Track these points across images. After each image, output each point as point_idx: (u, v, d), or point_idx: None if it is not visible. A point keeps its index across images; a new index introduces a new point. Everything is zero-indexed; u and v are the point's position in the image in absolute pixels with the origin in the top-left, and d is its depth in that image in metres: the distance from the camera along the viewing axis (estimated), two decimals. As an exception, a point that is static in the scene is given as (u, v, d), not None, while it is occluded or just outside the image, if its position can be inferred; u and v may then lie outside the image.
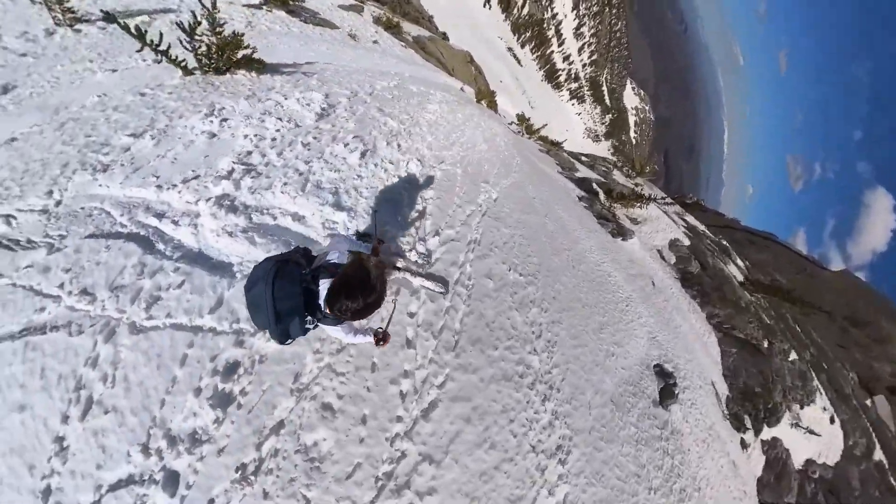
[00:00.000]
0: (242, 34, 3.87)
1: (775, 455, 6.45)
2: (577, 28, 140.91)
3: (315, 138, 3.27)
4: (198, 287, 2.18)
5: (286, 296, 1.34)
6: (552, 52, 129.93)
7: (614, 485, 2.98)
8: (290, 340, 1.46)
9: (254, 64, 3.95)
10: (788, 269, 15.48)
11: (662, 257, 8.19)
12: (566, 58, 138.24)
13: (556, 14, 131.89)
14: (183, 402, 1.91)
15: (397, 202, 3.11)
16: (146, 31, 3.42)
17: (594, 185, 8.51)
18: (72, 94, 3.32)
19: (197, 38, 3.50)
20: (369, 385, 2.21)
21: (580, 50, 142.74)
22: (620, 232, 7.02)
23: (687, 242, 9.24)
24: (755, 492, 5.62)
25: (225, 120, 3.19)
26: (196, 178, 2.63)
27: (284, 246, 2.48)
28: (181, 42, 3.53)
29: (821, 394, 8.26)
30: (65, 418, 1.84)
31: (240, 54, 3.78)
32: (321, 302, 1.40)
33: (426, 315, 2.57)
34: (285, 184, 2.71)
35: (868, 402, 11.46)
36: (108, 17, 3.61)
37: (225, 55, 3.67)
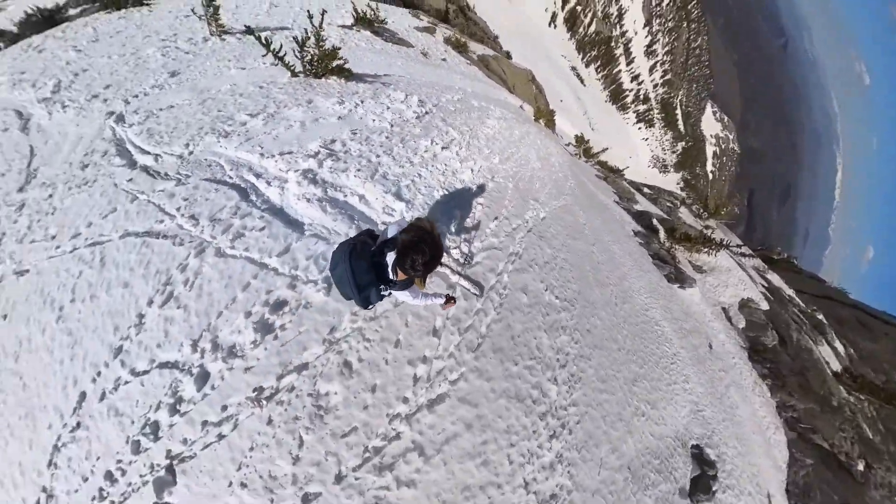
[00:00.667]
0: (338, 48, 4.74)
1: None
2: (649, 46, 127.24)
3: (387, 137, 3.79)
4: (273, 234, 2.69)
5: (362, 271, 1.72)
6: (619, 71, 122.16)
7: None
8: (371, 306, 1.88)
9: (344, 72, 4.81)
10: (918, 370, 11.65)
11: (728, 318, 7.01)
12: (635, 77, 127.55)
13: (626, 31, 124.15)
14: (234, 318, 2.34)
15: (449, 203, 3.41)
16: (270, 42, 4.44)
17: (654, 221, 7.85)
18: (213, 82, 4.50)
19: (305, 49, 4.47)
20: (388, 358, 2.40)
21: (651, 69, 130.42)
22: (679, 278, 6.31)
23: (765, 306, 7.73)
24: None
25: (317, 113, 3.94)
26: (290, 153, 3.30)
27: (347, 219, 2.93)
28: (293, 51, 4.55)
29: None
30: (150, 302, 2.44)
31: (334, 64, 4.68)
32: (389, 272, 1.78)
33: (457, 311, 2.73)
34: (358, 170, 3.24)
35: None
36: (248, 31, 4.90)
37: (323, 64, 4.60)
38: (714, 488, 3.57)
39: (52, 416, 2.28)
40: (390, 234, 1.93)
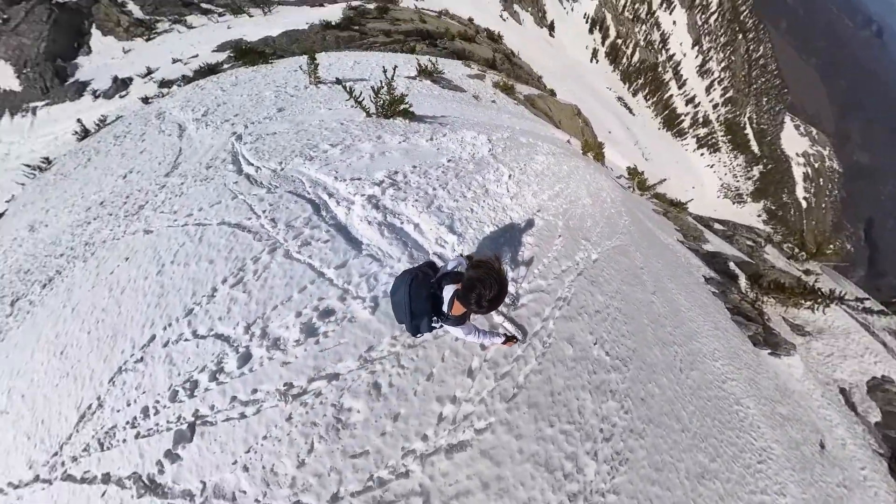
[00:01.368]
0: (405, 95, 5.64)
1: None
2: (702, 65, 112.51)
3: (443, 172, 4.06)
4: (335, 248, 2.97)
5: (419, 300, 1.78)
6: (671, 95, 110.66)
7: None
8: (420, 335, 1.92)
9: (408, 114, 5.60)
10: None
11: (851, 404, 5.12)
12: (690, 100, 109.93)
13: (673, 55, 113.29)
14: (286, 315, 2.58)
15: (498, 240, 3.38)
16: (352, 90, 5.54)
17: (732, 265, 6.67)
18: (307, 118, 5.70)
19: (379, 95, 5.39)
20: (418, 389, 2.31)
21: (708, 89, 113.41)
22: (770, 342, 5.02)
23: (912, 393, 5.43)
24: None
25: (384, 147, 4.51)
26: (359, 179, 3.74)
27: (402, 244, 3.05)
28: (369, 97, 5.49)
29: None
30: (224, 280, 2.91)
31: (401, 107, 5.50)
32: (445, 305, 1.80)
33: (496, 354, 2.58)
34: (416, 200, 3.49)
35: None
36: (337, 81, 6.82)
37: (392, 107, 5.46)
38: None
39: (126, 344, 2.83)
40: (450, 268, 1.98)
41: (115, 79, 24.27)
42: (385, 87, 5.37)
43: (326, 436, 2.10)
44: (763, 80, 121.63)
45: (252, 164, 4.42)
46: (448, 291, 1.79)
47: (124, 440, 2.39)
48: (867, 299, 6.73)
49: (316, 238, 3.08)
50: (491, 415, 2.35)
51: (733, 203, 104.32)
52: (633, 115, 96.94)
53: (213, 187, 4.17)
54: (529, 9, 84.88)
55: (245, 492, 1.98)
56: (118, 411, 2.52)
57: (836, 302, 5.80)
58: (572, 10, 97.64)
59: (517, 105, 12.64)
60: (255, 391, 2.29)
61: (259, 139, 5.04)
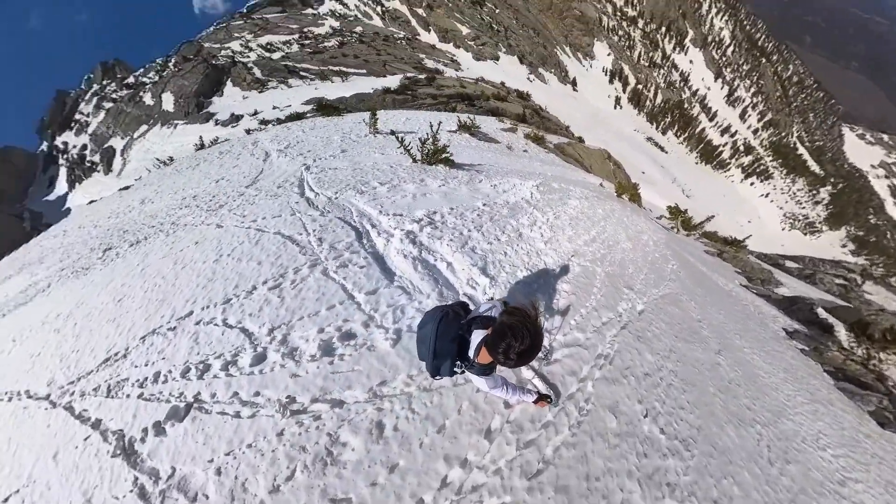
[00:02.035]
0: (447, 145, 6.31)
1: None
2: (729, 94, 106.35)
3: (478, 215, 4.15)
4: (369, 274, 3.02)
5: (446, 339, 1.61)
6: (703, 129, 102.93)
7: None
8: (439, 377, 1.71)
9: (448, 161, 6.20)
10: None
11: None
12: (725, 130, 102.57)
13: (697, 90, 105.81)
14: (310, 328, 2.57)
15: (531, 285, 3.15)
16: (403, 140, 6.44)
17: (821, 312, 5.23)
18: (363, 159, 6.64)
19: (425, 145, 6.10)
20: (425, 441, 1.97)
21: (743, 115, 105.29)
22: None
23: None
24: None
25: (426, 189, 4.75)
26: (400, 215, 3.96)
27: (433, 281, 3.00)
28: (416, 146, 6.23)
29: None
30: (264, 282, 3.12)
31: (443, 156, 6.14)
32: (471, 351, 1.59)
33: (521, 415, 2.13)
34: (451, 240, 3.53)
35: None
36: (391, 133, 8.39)
37: (435, 155, 6.10)
38: None
39: (167, 311, 3.13)
40: (482, 311, 1.79)
41: (232, 114, 36.04)
42: (430, 139, 6.13)
43: (311, 467, 1.86)
44: (802, 96, 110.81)
45: (313, 190, 5.14)
46: (476, 336, 1.59)
47: (128, 395, 2.51)
48: None
49: (354, 262, 3.20)
50: (506, 492, 1.85)
51: (805, 234, 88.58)
52: (666, 152, 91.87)
53: (279, 203, 4.86)
54: (552, 70, 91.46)
55: (207, 497, 1.81)
56: (135, 367, 2.70)
57: None
58: (591, 66, 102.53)
59: (548, 153, 13.07)
60: (257, 394, 2.22)
61: (322, 171, 5.98)
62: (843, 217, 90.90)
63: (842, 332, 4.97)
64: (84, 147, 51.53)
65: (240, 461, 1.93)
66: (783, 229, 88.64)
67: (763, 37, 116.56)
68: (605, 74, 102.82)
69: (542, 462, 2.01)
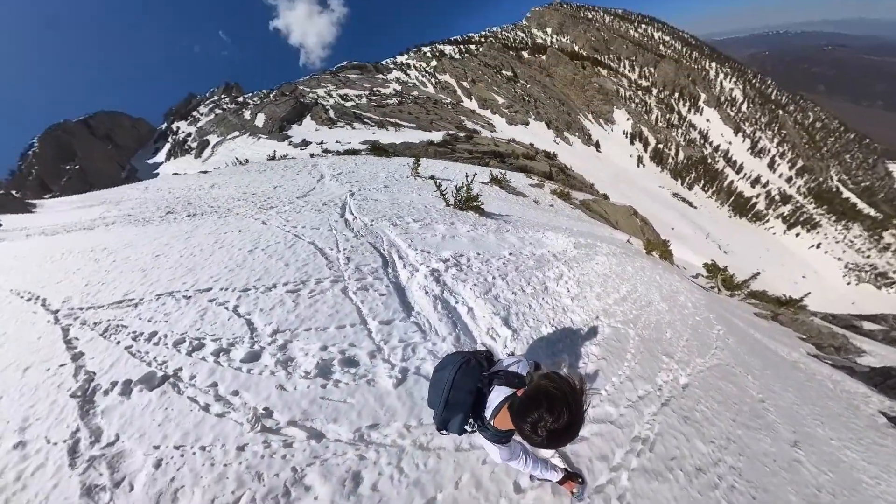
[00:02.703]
0: (479, 195, 6.78)
1: None
2: (753, 147, 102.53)
3: (504, 263, 4.04)
4: (387, 304, 2.89)
5: (462, 390, 1.34)
6: (731, 182, 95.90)
7: None
8: (445, 431, 1.39)
9: (479, 209, 6.55)
10: None
11: None
12: (755, 181, 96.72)
13: (718, 146, 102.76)
14: (313, 343, 2.40)
15: (556, 344, 2.80)
16: (440, 185, 6.94)
17: None
18: (401, 197, 7.20)
19: (459, 192, 6.56)
20: None
21: (772, 165, 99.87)
22: None
23: None
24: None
25: (455, 232, 4.86)
26: (428, 252, 3.95)
27: (451, 324, 2.77)
28: (451, 192, 6.68)
29: None
30: (285, 283, 3.16)
31: (474, 203, 6.54)
32: (488, 410, 1.28)
33: (537, 501, 1.65)
34: (475, 284, 3.38)
35: None
36: (431, 178, 8.66)
37: (467, 202, 6.50)
38: None
39: (190, 280, 3.27)
40: (505, 364, 1.51)
41: (304, 140, 44.92)
42: (464, 187, 6.57)
43: (272, 500, 1.51)
44: (832, 140, 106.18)
45: (353, 214, 5.55)
46: (498, 394, 1.30)
47: (118, 342, 2.46)
48: None
49: (375, 288, 3.12)
50: None
51: (878, 287, 73.36)
52: (695, 207, 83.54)
53: (320, 218, 5.28)
54: (576, 134, 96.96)
55: (132, 489, 1.55)
56: (139, 318, 2.72)
57: None
58: (612, 130, 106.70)
59: (573, 209, 13.16)
60: (236, 392, 2.01)
61: (364, 200, 6.61)
62: (924, 262, 74.47)
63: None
64: (189, 135, 66.57)
65: (185, 462, 1.65)
66: (848, 283, 74.76)
67: (774, 91, 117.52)
68: (626, 137, 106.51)
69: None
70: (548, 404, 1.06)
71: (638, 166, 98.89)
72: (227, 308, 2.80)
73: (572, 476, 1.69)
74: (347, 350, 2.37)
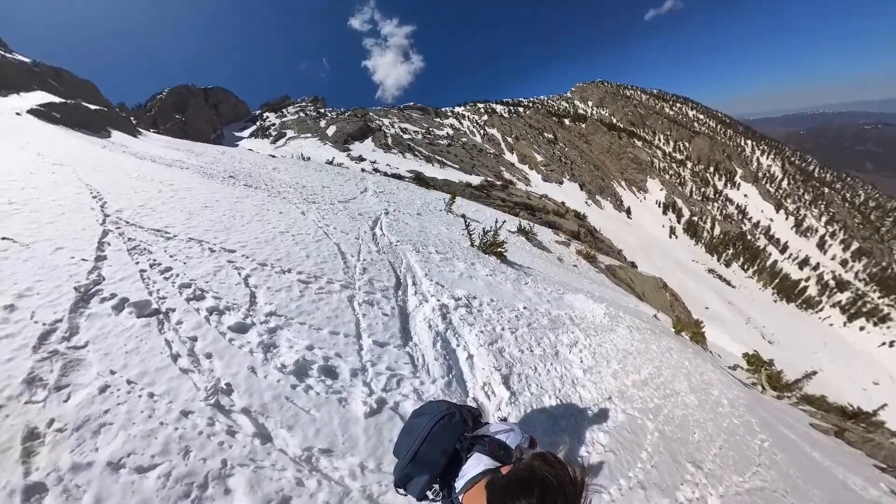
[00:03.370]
0: (504, 241, 6.79)
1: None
2: (797, 225, 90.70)
3: (516, 317, 3.80)
4: (387, 326, 2.81)
5: (437, 445, 1.12)
6: (774, 262, 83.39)
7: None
8: (402, 490, 1.14)
9: (501, 255, 6.54)
10: None
11: None
12: (803, 262, 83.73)
13: (758, 221, 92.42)
14: (301, 337, 2.36)
15: (557, 421, 2.40)
16: (469, 224, 7.31)
17: None
18: (431, 227, 7.38)
19: (486, 235, 6.68)
20: None
21: (822, 246, 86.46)
22: None
23: None
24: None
25: (473, 273, 4.81)
26: (442, 286, 3.86)
27: (446, 367, 2.55)
28: (478, 234, 6.84)
29: None
30: (299, 273, 3.25)
31: (497, 249, 6.54)
32: (460, 480, 1.03)
33: None
34: (481, 331, 3.18)
35: None
36: (462, 216, 9.62)
37: (491, 246, 6.51)
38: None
39: (221, 237, 3.57)
40: (494, 429, 1.25)
41: (360, 156, 51.84)
42: (492, 231, 6.66)
43: (170, 484, 1.33)
44: (890, 220, 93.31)
45: (381, 231, 5.75)
46: (476, 463, 1.06)
47: (137, 263, 2.66)
48: None
49: (380, 306, 3.05)
50: None
51: None
52: (734, 287, 70.79)
53: (352, 225, 5.52)
54: (608, 198, 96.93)
55: (67, 400, 1.49)
56: (164, 251, 2.96)
57: None
58: (644, 198, 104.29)
59: (598, 273, 12.59)
60: (209, 355, 1.95)
61: (396, 221, 6.83)
62: None
63: None
64: (273, 125, 79.05)
65: (127, 401, 1.55)
66: None
67: (816, 168, 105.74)
68: (659, 206, 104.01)
69: None
70: (540, 493, 0.84)
71: (670, 237, 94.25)
72: (240, 274, 2.89)
73: None
74: (332, 359, 2.24)
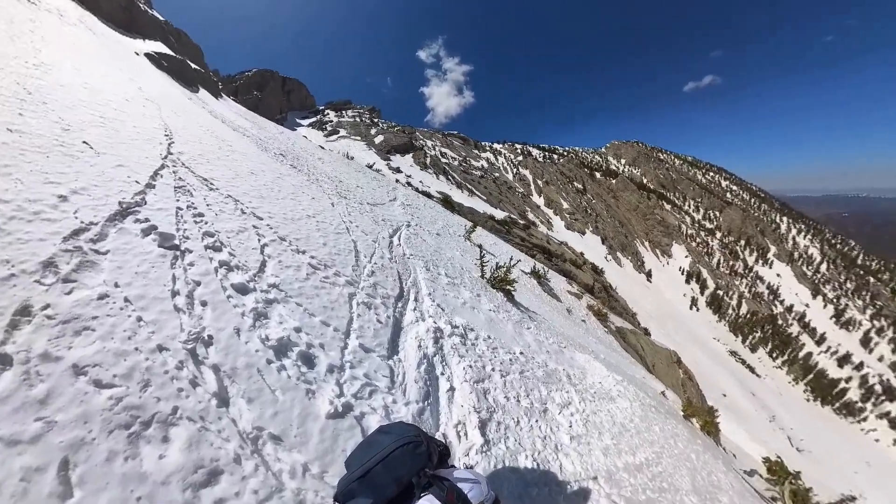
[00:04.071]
0: (514, 280, 6.63)
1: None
2: (837, 315, 79.04)
3: (511, 361, 3.62)
4: (377, 334, 2.75)
5: (391, 470, 1.00)
6: (809, 353, 72.81)
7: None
8: None
9: (508, 293, 6.36)
10: None
11: None
12: (843, 358, 71.81)
13: (791, 305, 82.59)
14: (294, 318, 2.40)
15: (528, 489, 2.15)
16: (484, 255, 7.11)
17: None
18: (446, 251, 7.31)
19: (498, 270, 6.52)
20: None
21: (866, 342, 74.55)
22: None
23: None
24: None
25: (477, 305, 4.75)
26: (443, 310, 3.80)
27: (424, 393, 2.41)
28: (491, 267, 6.76)
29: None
30: (312, 257, 3.40)
31: (506, 286, 6.38)
32: None
33: None
34: (469, 366, 3.03)
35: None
36: (478, 246, 9.66)
37: (501, 282, 6.38)
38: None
39: (254, 203, 3.95)
40: (458, 475, 1.15)
41: (398, 168, 56.01)
42: (505, 267, 6.59)
43: (115, 414, 1.31)
44: None
45: (399, 241, 5.81)
46: (426, 502, 0.97)
47: (177, 200, 2.92)
48: None
49: (377, 312, 3.01)
50: None
51: None
52: (759, 376, 61.31)
53: (373, 228, 5.64)
54: (629, 257, 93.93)
55: (68, 295, 1.63)
56: (203, 199, 3.25)
57: None
58: (668, 263, 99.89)
59: (607, 333, 11.84)
60: (204, 303, 2.02)
61: (415, 235, 6.90)
62: None
63: None
64: (330, 121, 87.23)
65: (115, 317, 1.62)
66: None
67: (861, 255, 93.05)
68: (682, 273, 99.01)
69: None
70: None
71: (691, 308, 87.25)
72: (259, 240, 3.03)
73: None
74: (314, 348, 2.22)
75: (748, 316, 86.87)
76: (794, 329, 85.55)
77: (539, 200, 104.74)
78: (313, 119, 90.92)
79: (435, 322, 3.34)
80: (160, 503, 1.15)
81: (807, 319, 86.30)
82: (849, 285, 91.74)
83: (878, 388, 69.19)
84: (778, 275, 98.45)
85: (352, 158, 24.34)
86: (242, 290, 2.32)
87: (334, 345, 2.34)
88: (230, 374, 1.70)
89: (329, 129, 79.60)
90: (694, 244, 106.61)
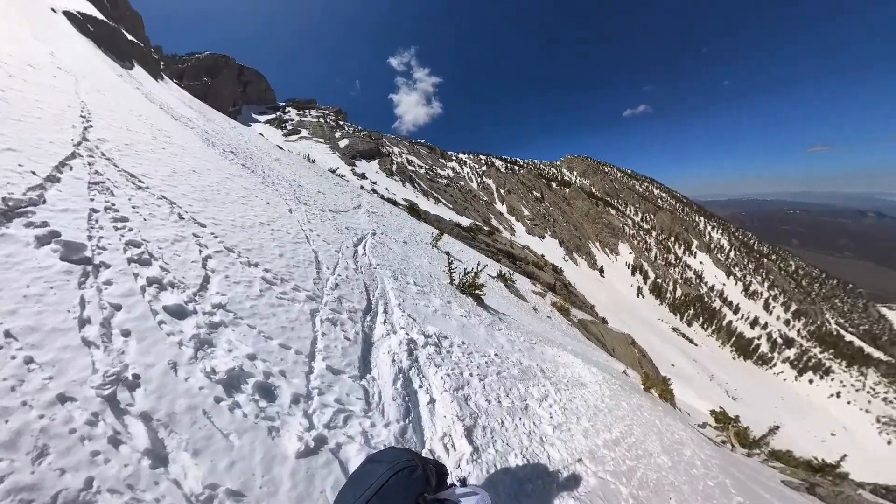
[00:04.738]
0: (483, 284, 6.52)
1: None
2: (745, 289, 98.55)
3: (486, 363, 3.46)
4: (346, 352, 2.40)
5: (389, 500, 0.86)
6: (729, 321, 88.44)
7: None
8: None
9: (478, 298, 6.30)
10: None
11: None
12: (754, 322, 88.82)
13: (713, 286, 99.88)
14: (246, 343, 1.98)
15: (522, 483, 2.11)
16: (451, 262, 6.89)
17: None
18: (414, 259, 6.71)
19: (466, 275, 6.34)
20: None
21: (768, 308, 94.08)
22: None
23: None
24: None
25: (448, 312, 4.49)
26: (414, 319, 3.51)
27: (404, 408, 2.17)
28: (459, 273, 6.57)
29: None
30: (266, 270, 2.90)
31: (475, 291, 6.24)
32: None
33: None
34: (447, 374, 2.81)
35: None
36: (447, 253, 8.73)
37: (470, 287, 6.23)
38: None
39: (195, 208, 3.32)
40: (458, 493, 1.05)
41: (363, 174, 51.40)
42: (473, 273, 6.47)
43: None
44: (817, 285, 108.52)
45: (364, 250, 5.30)
46: None
47: (92, 199, 2.38)
48: None
49: (344, 328, 2.63)
50: None
51: None
52: (696, 345, 74.27)
53: (336, 237, 5.09)
54: (584, 257, 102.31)
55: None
56: (128, 199, 2.67)
57: None
58: (616, 259, 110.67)
59: (571, 326, 12.47)
60: (127, 333, 1.56)
61: (381, 244, 6.37)
62: None
63: None
64: (291, 120, 77.74)
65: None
66: (889, 443, 55.71)
67: (756, 242, 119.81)
68: (628, 268, 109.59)
69: None
70: None
71: (638, 296, 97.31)
72: (201, 252, 2.46)
73: None
74: (274, 377, 1.82)
75: (683, 297, 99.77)
76: (717, 304, 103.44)
77: (502, 208, 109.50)
78: (272, 115, 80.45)
79: (407, 333, 3.10)
80: None
81: (725, 295, 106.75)
82: (750, 266, 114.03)
83: (779, 340, 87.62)
84: (701, 262, 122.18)
85: (313, 161, 22.19)
86: (179, 313, 1.82)
87: (297, 370, 1.96)
88: (166, 423, 1.28)
89: (289, 127, 70.52)
90: (636, 242, 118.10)
